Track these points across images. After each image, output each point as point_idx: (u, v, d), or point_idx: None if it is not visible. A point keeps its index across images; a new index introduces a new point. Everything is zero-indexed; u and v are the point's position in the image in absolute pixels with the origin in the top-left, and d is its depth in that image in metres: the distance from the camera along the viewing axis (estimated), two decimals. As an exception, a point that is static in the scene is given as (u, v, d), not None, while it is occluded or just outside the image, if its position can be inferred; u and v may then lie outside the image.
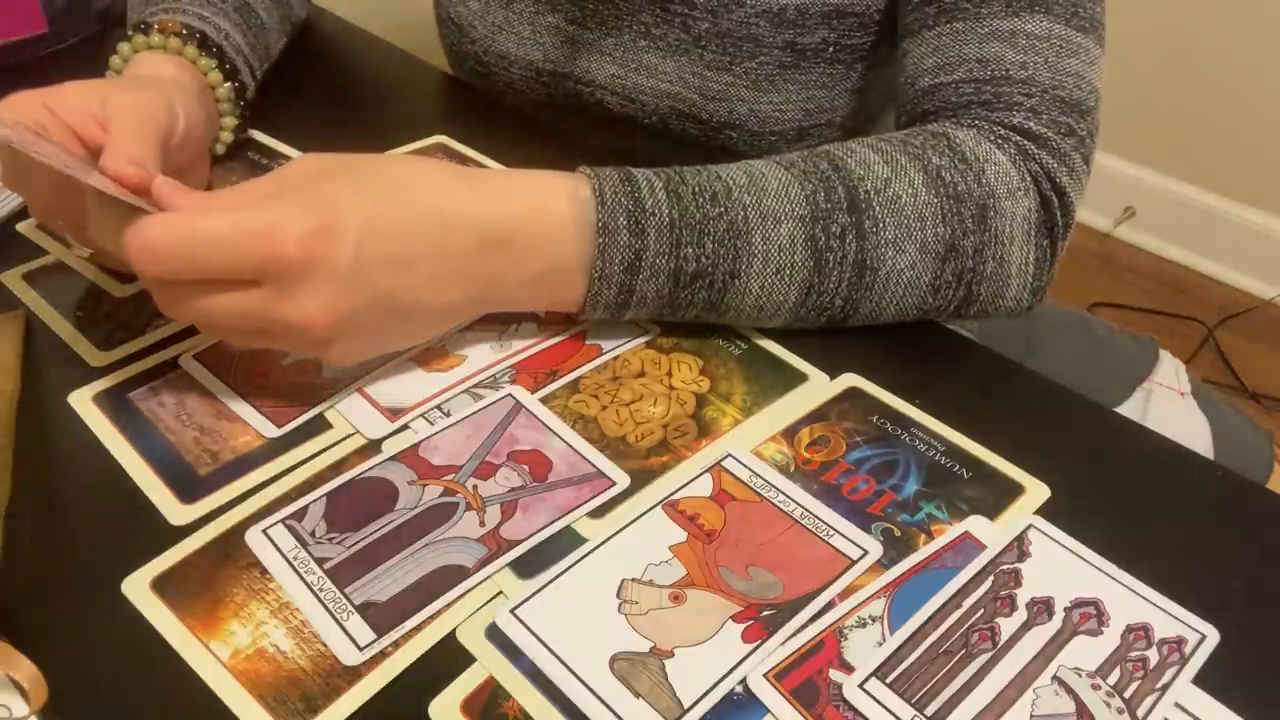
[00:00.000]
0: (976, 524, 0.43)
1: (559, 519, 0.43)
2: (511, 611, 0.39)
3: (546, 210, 0.47)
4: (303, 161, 0.45)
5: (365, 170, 0.44)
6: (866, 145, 0.52)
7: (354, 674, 0.37)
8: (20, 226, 0.59)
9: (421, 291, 0.44)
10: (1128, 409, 0.79)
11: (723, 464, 0.45)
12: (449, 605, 0.39)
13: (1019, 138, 0.53)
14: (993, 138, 0.53)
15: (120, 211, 0.41)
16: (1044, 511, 0.44)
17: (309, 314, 0.41)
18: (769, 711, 0.36)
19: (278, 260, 0.40)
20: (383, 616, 0.39)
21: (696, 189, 0.48)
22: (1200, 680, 0.38)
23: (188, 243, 0.40)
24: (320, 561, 0.41)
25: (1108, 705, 0.37)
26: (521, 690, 0.37)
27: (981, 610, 0.40)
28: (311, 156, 0.45)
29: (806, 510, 0.43)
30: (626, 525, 0.43)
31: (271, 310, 0.41)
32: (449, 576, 0.40)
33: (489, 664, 0.38)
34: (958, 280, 0.51)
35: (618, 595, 0.40)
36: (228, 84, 0.61)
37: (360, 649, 0.38)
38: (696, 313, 0.50)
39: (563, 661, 0.37)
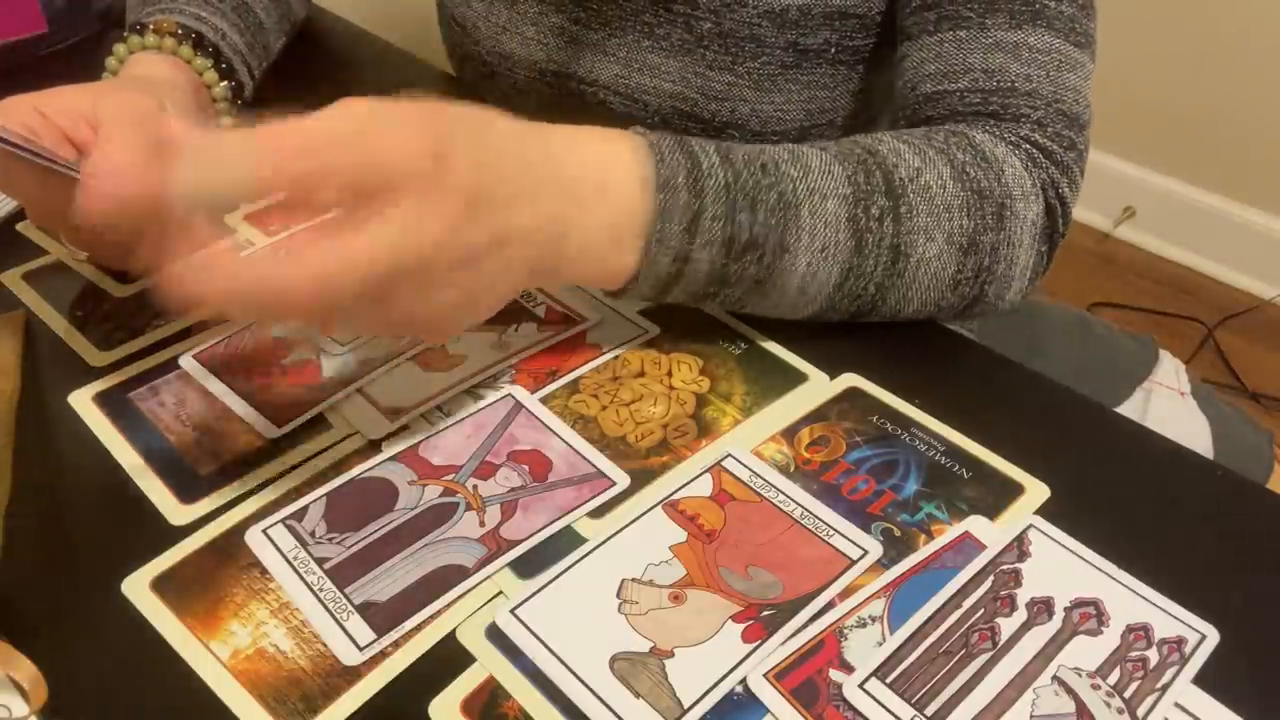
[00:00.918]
0: (976, 524, 0.43)
1: (559, 519, 0.43)
2: (511, 611, 0.39)
3: (609, 161, 0.44)
4: (355, 103, 0.37)
5: (472, 115, 0.41)
6: (893, 136, 0.52)
7: (354, 674, 0.37)
8: (20, 226, 0.59)
9: (527, 226, 0.41)
10: (1128, 409, 0.79)
11: (723, 464, 0.45)
12: (449, 605, 0.39)
13: (1028, 146, 0.54)
14: (1006, 143, 0.53)
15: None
16: (1044, 511, 0.44)
17: (439, 232, 0.36)
18: (769, 711, 0.36)
19: (407, 168, 0.35)
20: (383, 616, 0.39)
21: (747, 158, 0.47)
22: (1200, 680, 0.38)
23: (310, 141, 0.35)
24: (320, 561, 0.41)
25: (1108, 705, 0.37)
26: (521, 690, 0.37)
27: (981, 610, 0.40)
28: (357, 101, 0.38)
29: (806, 510, 0.43)
30: (626, 525, 0.43)
31: (415, 227, 0.36)
32: (449, 576, 0.40)
33: (489, 664, 0.38)
34: (975, 277, 0.51)
35: (618, 595, 0.40)
36: (224, 83, 0.61)
37: (360, 649, 0.38)
38: (741, 293, 0.48)
39: (563, 661, 0.37)
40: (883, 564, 0.41)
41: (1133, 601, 0.40)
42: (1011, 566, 0.41)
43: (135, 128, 0.48)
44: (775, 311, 0.51)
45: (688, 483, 0.45)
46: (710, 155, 0.46)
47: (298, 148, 0.34)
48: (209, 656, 0.38)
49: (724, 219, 0.45)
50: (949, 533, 0.43)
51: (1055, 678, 0.38)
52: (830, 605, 0.40)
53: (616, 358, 0.51)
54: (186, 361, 0.50)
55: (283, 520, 0.42)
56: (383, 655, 0.38)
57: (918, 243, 0.49)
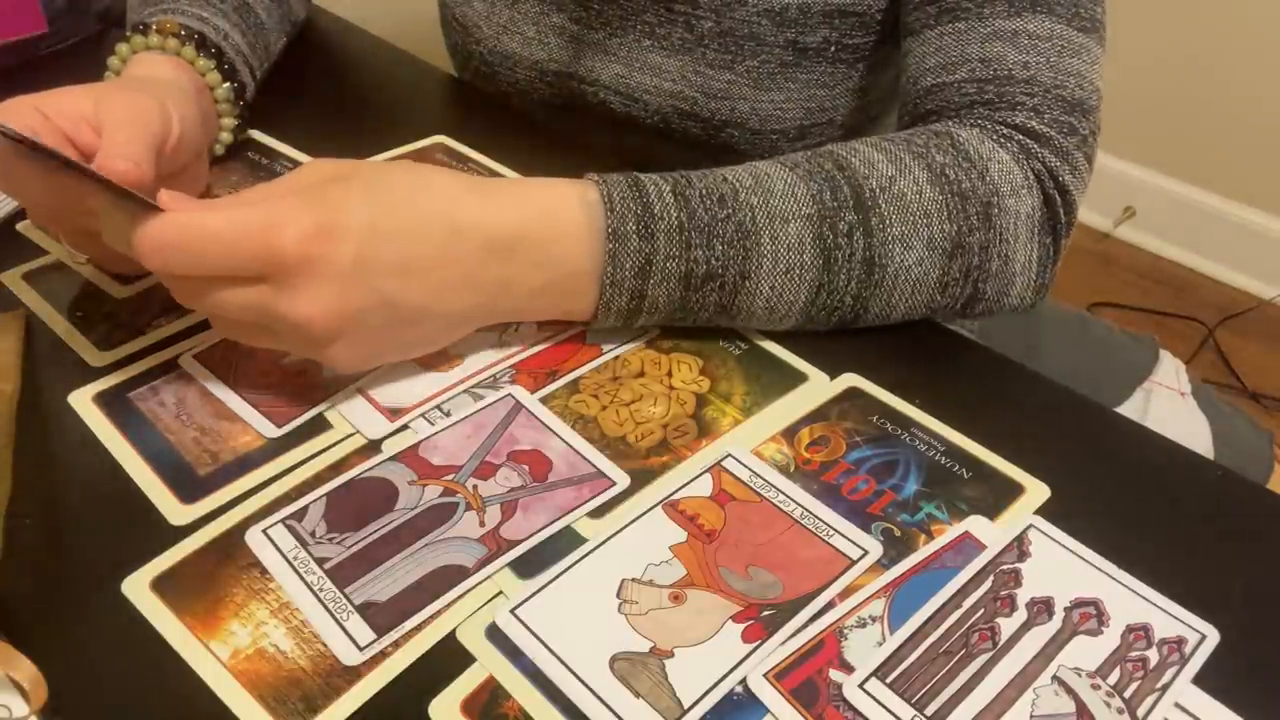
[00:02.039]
0: (976, 524, 0.43)
1: (559, 519, 0.43)
2: (511, 611, 0.39)
3: (555, 217, 0.47)
4: (314, 165, 0.45)
5: (373, 175, 0.45)
6: (870, 144, 0.52)
7: (354, 674, 0.37)
8: (20, 226, 0.59)
9: (426, 297, 0.44)
10: (1128, 409, 0.79)
11: (723, 464, 0.45)
12: (449, 605, 0.39)
13: (1022, 137, 0.53)
14: (996, 137, 0.53)
15: (127, 211, 0.41)
16: (1044, 511, 0.44)
17: (308, 312, 0.42)
18: (769, 711, 0.36)
19: (275, 257, 0.41)
20: (383, 616, 0.39)
21: (704, 191, 0.48)
22: (1200, 680, 0.38)
23: (188, 238, 0.40)
24: (320, 561, 0.41)
25: (1108, 705, 0.37)
26: (521, 690, 0.37)
27: (981, 610, 0.40)
28: (324, 161, 0.46)
29: (806, 510, 0.43)
30: (626, 525, 0.43)
31: (272, 306, 0.42)
32: (449, 576, 0.40)
33: (489, 664, 0.38)
34: (964, 277, 0.51)
35: (618, 595, 0.40)
36: (226, 84, 0.61)
37: (360, 649, 0.38)
38: (709, 316, 0.50)
39: (563, 661, 0.37)
40: (883, 564, 0.41)
41: (1133, 601, 0.40)
42: (1011, 566, 0.41)
43: (139, 129, 0.48)
44: (751, 328, 0.52)
45: (688, 483, 0.45)
46: (665, 196, 0.48)
47: (180, 245, 0.40)
48: (209, 656, 0.38)
49: (678, 258, 0.47)
50: (949, 533, 0.43)
51: (1055, 678, 0.38)
52: (830, 605, 0.40)
53: (616, 358, 0.51)
54: (186, 361, 0.50)
55: (283, 520, 0.42)
56: (383, 655, 0.38)
57: (894, 253, 0.49)
